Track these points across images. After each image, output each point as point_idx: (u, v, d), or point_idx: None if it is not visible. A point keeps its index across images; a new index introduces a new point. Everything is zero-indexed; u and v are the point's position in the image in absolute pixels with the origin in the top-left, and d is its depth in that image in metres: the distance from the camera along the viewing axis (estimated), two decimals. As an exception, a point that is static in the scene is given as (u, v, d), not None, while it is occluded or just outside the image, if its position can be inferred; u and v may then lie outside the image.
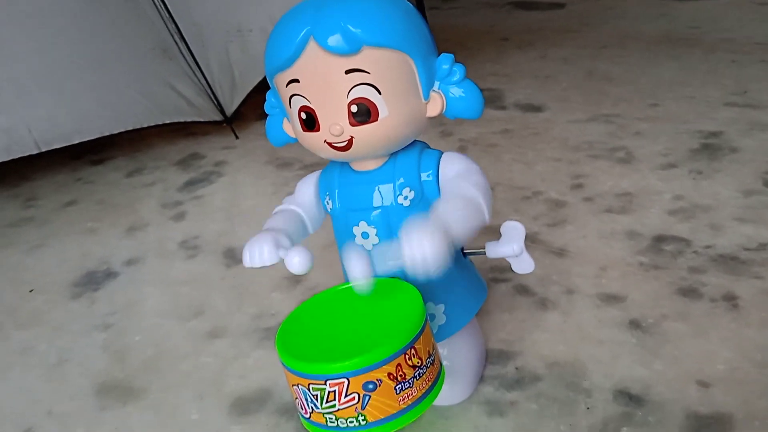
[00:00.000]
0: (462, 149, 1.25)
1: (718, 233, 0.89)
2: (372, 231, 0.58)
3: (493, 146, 1.25)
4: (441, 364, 0.54)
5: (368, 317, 0.52)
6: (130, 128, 1.34)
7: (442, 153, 0.58)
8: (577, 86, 1.51)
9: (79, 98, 1.28)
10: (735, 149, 1.11)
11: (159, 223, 1.14)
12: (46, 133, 1.25)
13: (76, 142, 1.28)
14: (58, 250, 1.10)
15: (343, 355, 0.47)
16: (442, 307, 0.61)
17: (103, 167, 1.42)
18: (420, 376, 0.49)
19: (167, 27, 1.39)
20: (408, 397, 0.49)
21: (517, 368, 0.70)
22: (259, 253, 0.55)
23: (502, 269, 0.85)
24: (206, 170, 1.33)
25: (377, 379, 0.47)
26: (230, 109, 1.47)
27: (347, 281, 0.59)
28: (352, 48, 0.50)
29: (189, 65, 1.42)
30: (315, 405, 0.48)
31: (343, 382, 0.46)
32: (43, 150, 1.25)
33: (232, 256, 1.00)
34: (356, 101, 0.51)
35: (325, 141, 0.54)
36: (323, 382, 0.47)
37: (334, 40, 0.49)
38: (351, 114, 0.52)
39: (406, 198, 0.57)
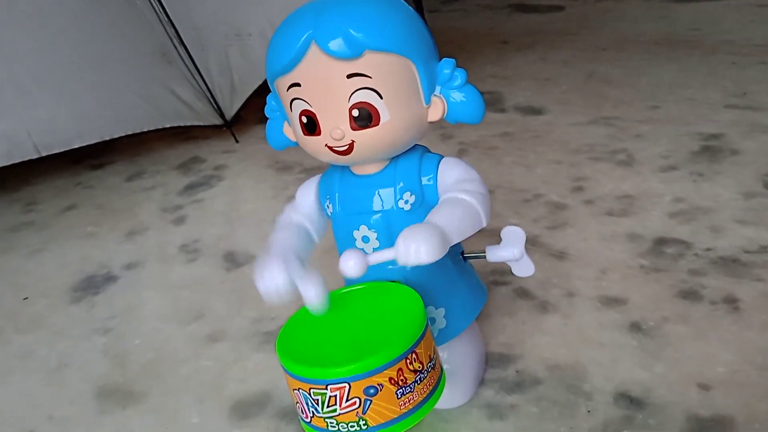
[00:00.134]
0: (462, 152, 1.25)
1: (718, 235, 0.88)
2: (372, 235, 0.58)
3: (494, 149, 1.25)
4: (442, 369, 0.53)
5: (369, 321, 0.52)
6: (130, 132, 1.34)
7: (442, 157, 0.58)
8: (577, 89, 1.51)
9: (79, 102, 1.28)
10: (735, 151, 1.11)
11: (159, 227, 1.14)
12: (46, 138, 1.25)
13: (77, 146, 1.27)
14: (58, 254, 1.10)
15: (344, 359, 0.47)
16: (442, 311, 0.61)
17: (102, 171, 1.42)
18: (421, 381, 0.49)
19: (167, 31, 1.40)
20: (409, 401, 0.49)
21: (517, 371, 0.70)
22: (272, 280, 0.52)
23: (502, 272, 0.85)
24: (206, 174, 1.33)
25: (378, 384, 0.47)
26: (230, 113, 1.47)
27: (347, 284, 0.59)
28: (354, 52, 0.50)
29: (189, 69, 1.42)
30: (316, 409, 0.48)
31: (345, 387, 0.46)
32: (43, 154, 1.24)
33: (232, 260, 1.00)
34: (357, 105, 0.51)
35: (326, 145, 0.54)
36: (324, 387, 0.47)
37: (336, 44, 0.49)
38: (352, 118, 0.52)
39: (406, 202, 0.57)
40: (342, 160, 0.55)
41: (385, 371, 0.47)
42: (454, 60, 0.54)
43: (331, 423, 0.48)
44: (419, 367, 0.49)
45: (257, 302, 0.87)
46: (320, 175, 0.62)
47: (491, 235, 0.62)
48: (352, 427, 0.47)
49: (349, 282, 0.60)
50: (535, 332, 0.75)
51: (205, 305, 0.89)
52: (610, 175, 1.09)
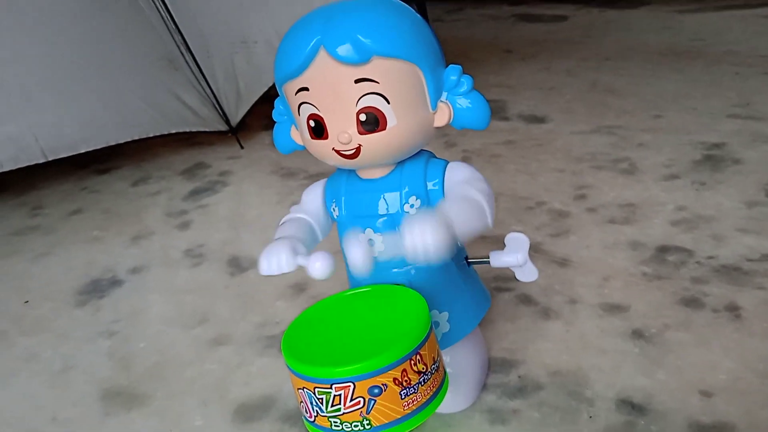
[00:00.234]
0: (465, 160, 1.25)
1: (720, 244, 0.89)
2: (378, 238, 0.58)
3: (497, 157, 1.26)
4: (445, 371, 0.54)
5: (374, 323, 0.53)
6: (136, 138, 1.35)
7: (448, 162, 0.59)
8: (580, 98, 1.52)
9: (85, 107, 1.30)
10: (738, 161, 1.12)
11: (164, 232, 1.14)
12: (53, 142, 1.26)
13: (83, 151, 1.29)
14: (64, 258, 1.11)
15: (349, 359, 0.47)
16: (446, 315, 0.61)
17: (108, 176, 1.43)
18: (425, 382, 0.50)
19: (173, 38, 1.41)
20: (412, 402, 0.49)
21: (519, 377, 0.70)
22: (277, 261, 0.54)
23: (505, 279, 0.85)
24: (211, 180, 1.34)
25: (383, 384, 0.47)
26: (235, 120, 1.48)
27: (352, 288, 0.59)
28: (362, 58, 0.50)
29: (195, 76, 1.43)
30: (320, 408, 0.48)
31: (349, 386, 0.47)
32: (50, 159, 1.26)
33: (237, 265, 1.00)
34: (365, 110, 0.52)
35: (333, 149, 0.55)
36: (329, 386, 0.47)
37: (345, 49, 0.50)
38: (359, 122, 0.53)
39: (412, 206, 0.57)
40: (348, 164, 0.56)
41: (389, 372, 0.47)
42: (460, 67, 0.55)
43: (335, 422, 0.48)
44: (423, 368, 0.49)
45: (262, 307, 0.88)
46: (326, 179, 0.63)
47: (495, 241, 0.63)
48: (356, 426, 0.48)
49: (355, 282, 0.61)
50: (537, 338, 0.76)
51: (210, 309, 0.90)
52: (612, 183, 1.09)
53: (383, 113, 0.52)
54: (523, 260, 0.61)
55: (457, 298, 0.62)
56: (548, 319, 0.79)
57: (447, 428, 0.65)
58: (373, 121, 0.52)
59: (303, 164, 1.32)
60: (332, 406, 0.48)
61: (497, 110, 1.49)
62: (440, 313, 0.61)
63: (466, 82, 0.55)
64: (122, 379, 0.79)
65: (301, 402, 0.50)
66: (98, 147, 1.30)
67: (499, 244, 0.62)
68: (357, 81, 0.51)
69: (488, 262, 0.63)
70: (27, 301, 0.98)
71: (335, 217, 0.61)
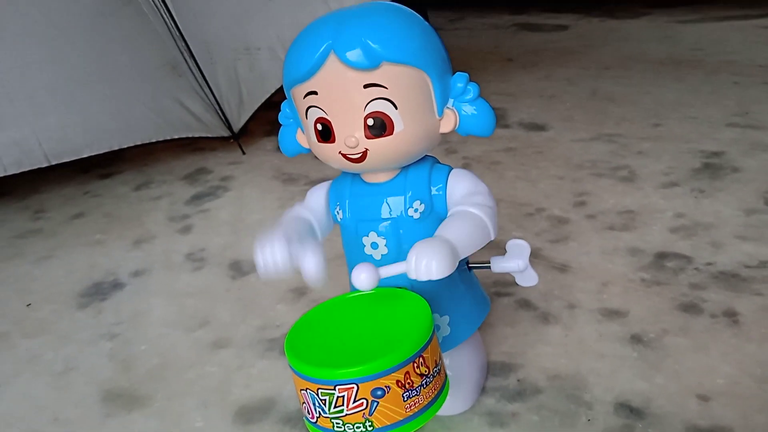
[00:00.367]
0: (466, 167, 1.25)
1: (719, 251, 0.89)
2: (381, 242, 0.59)
3: (497, 164, 1.26)
4: (446, 375, 0.54)
5: (377, 325, 0.53)
6: (139, 143, 1.36)
7: (452, 168, 0.59)
8: (580, 106, 1.53)
9: (89, 112, 1.30)
10: (736, 169, 1.12)
11: (166, 236, 1.15)
12: (56, 147, 1.27)
13: (86, 155, 1.30)
14: (66, 261, 1.11)
15: (353, 360, 0.47)
16: (446, 319, 0.62)
17: (111, 181, 1.43)
18: (427, 385, 0.50)
19: (177, 44, 1.42)
20: (415, 404, 0.49)
21: (518, 380, 0.71)
22: (270, 249, 0.55)
23: (505, 283, 0.86)
24: (213, 185, 1.34)
25: (386, 386, 0.48)
26: (237, 126, 1.49)
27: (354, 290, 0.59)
28: (372, 63, 0.51)
29: (198, 82, 1.44)
30: (323, 410, 0.49)
31: (353, 388, 0.47)
32: (53, 163, 1.26)
33: (238, 269, 1.01)
34: (373, 115, 0.53)
35: (339, 152, 0.55)
36: (332, 387, 0.47)
37: (355, 54, 0.51)
38: (367, 127, 0.53)
39: (416, 210, 0.58)
40: (354, 167, 0.57)
41: (393, 374, 0.48)
42: (467, 74, 0.56)
43: (337, 423, 0.48)
44: (426, 371, 0.50)
45: (262, 310, 0.89)
46: (331, 180, 0.63)
47: (496, 247, 0.63)
48: (358, 428, 0.48)
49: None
50: (536, 342, 0.76)
51: (211, 312, 0.90)
52: (612, 190, 1.10)
53: (391, 118, 0.53)
54: (524, 266, 0.62)
55: (457, 302, 0.62)
56: (547, 323, 0.79)
57: (446, 431, 0.65)
58: (380, 126, 0.53)
59: (304, 170, 1.32)
60: (335, 407, 0.48)
61: (498, 118, 1.48)
62: (441, 316, 0.61)
63: (473, 90, 0.56)
64: (123, 380, 0.79)
65: (303, 403, 0.50)
66: (101, 152, 1.31)
67: (500, 249, 0.63)
68: (366, 86, 0.52)
69: (489, 267, 0.63)
70: (29, 304, 0.99)
71: (339, 219, 0.61)
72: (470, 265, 0.65)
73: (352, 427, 0.48)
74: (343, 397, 0.47)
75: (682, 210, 1.01)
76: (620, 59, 1.87)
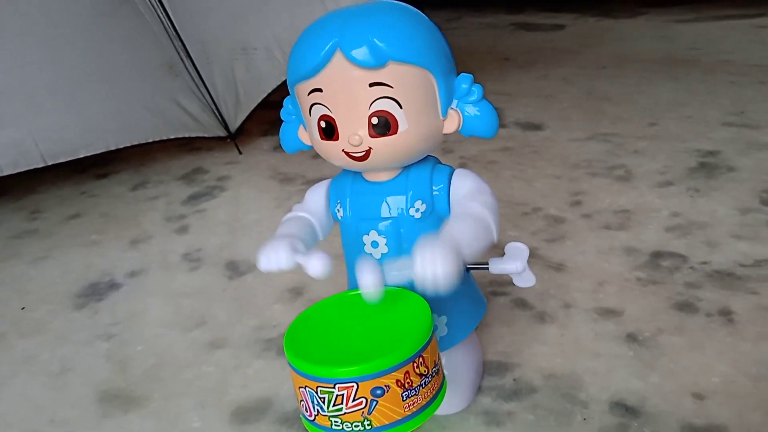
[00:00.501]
0: (462, 166, 1.25)
1: (714, 250, 0.90)
2: (382, 240, 0.59)
3: (493, 163, 1.26)
4: (444, 375, 0.54)
5: (377, 324, 0.53)
6: (135, 143, 1.36)
7: (454, 169, 0.59)
8: (577, 105, 1.53)
9: (85, 112, 1.30)
10: (732, 168, 1.13)
11: (162, 236, 1.15)
12: (53, 147, 1.26)
13: (83, 156, 1.29)
14: (62, 261, 1.11)
15: (353, 359, 0.48)
16: (444, 319, 0.62)
17: (107, 181, 1.43)
18: (426, 385, 0.50)
19: (174, 44, 1.42)
20: (413, 404, 0.49)
21: (514, 380, 0.71)
22: (276, 258, 0.55)
23: (501, 283, 0.86)
24: (209, 185, 1.34)
25: (385, 385, 0.48)
26: (234, 126, 1.49)
27: (352, 288, 0.60)
28: (378, 62, 0.51)
29: (194, 82, 1.44)
30: (321, 408, 0.49)
31: (352, 387, 0.47)
32: (49, 164, 1.26)
33: (234, 269, 1.01)
34: (377, 113, 0.53)
35: (342, 150, 0.55)
36: (332, 386, 0.47)
37: (361, 53, 0.51)
38: (371, 125, 0.53)
39: (417, 210, 0.58)
40: (357, 166, 0.57)
41: (393, 373, 0.48)
42: (471, 75, 0.56)
43: (335, 422, 0.49)
44: (425, 371, 0.50)
45: (259, 310, 0.89)
46: (330, 179, 0.63)
47: (493, 247, 0.63)
48: (356, 426, 0.48)
49: (355, 283, 0.61)
50: (532, 342, 0.76)
51: (207, 313, 0.90)
52: (608, 189, 1.10)
53: (395, 117, 0.53)
54: (522, 268, 0.62)
55: (455, 303, 0.62)
56: (543, 323, 0.79)
57: (442, 430, 0.65)
58: (384, 125, 0.53)
59: (301, 170, 1.33)
60: (334, 405, 0.48)
61: (494, 117, 1.49)
62: (439, 317, 0.61)
63: (477, 91, 0.56)
64: (120, 381, 0.79)
65: (302, 401, 0.50)
66: (98, 152, 1.31)
67: (498, 250, 0.63)
68: (371, 85, 0.52)
69: (487, 268, 0.63)
70: (23, 308, 0.98)
71: (339, 218, 0.61)
72: (468, 266, 0.65)
73: (350, 425, 0.48)
74: (343, 395, 0.48)
75: (677, 209, 1.01)
76: (617, 59, 1.87)
